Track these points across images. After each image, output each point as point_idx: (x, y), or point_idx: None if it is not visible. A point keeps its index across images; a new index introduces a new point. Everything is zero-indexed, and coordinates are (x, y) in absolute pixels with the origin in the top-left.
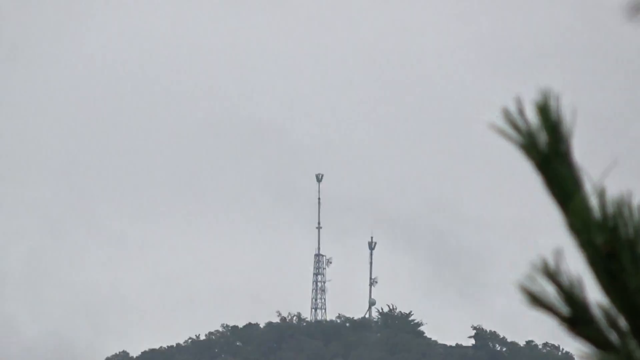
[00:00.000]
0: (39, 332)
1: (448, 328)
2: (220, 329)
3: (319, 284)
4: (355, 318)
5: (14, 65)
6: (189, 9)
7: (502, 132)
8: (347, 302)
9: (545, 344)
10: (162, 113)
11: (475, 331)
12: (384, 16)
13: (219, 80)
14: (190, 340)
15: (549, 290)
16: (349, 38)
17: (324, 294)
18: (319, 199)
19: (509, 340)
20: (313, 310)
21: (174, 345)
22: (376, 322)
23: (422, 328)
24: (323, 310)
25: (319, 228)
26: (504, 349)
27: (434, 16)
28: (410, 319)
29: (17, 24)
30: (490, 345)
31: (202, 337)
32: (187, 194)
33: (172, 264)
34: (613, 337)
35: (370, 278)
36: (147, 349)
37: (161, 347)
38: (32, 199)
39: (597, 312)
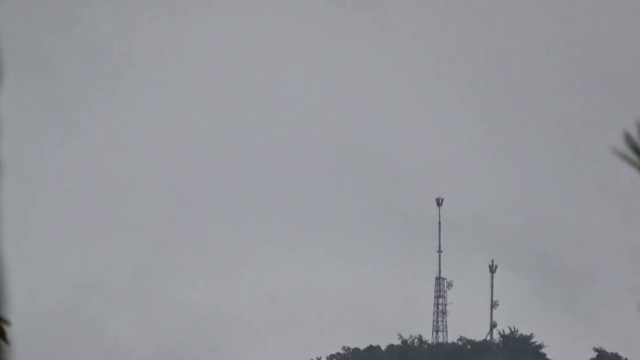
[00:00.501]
0: (151, 352)
1: (569, 350)
2: (342, 352)
3: (440, 307)
4: (477, 340)
5: (117, 86)
6: (297, 35)
7: (624, 156)
8: (468, 324)
9: None
10: (277, 136)
11: (597, 353)
12: (487, 40)
13: (332, 105)
14: None
15: None
16: (457, 62)
17: (445, 316)
18: (439, 222)
19: None
20: (434, 332)
21: None
22: (497, 344)
23: (543, 350)
24: (444, 333)
25: (439, 252)
26: None
27: (548, 39)
28: (531, 341)
29: (122, 46)
30: None
31: None
32: (305, 215)
33: (292, 285)
34: None
35: (492, 300)
36: None
37: None
38: (139, 220)
39: None
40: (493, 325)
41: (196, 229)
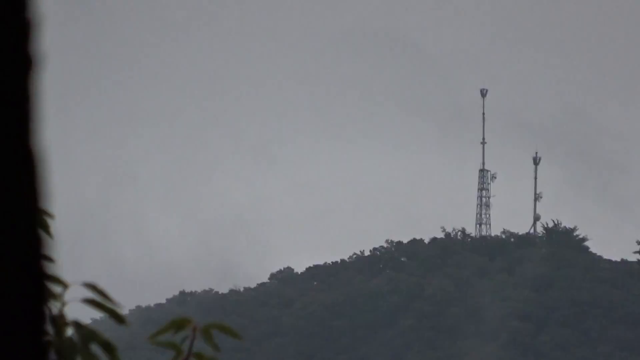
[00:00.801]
0: (189, 244)
1: (613, 243)
2: (385, 245)
3: (484, 200)
4: (520, 233)
5: None
6: None
7: None
8: (511, 217)
9: None
10: (313, 23)
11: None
12: None
13: None
14: (354, 256)
15: None
16: None
17: (489, 209)
18: (483, 114)
19: None
20: (478, 225)
21: (339, 261)
22: (541, 237)
23: (586, 243)
24: (488, 226)
25: (483, 143)
26: None
27: None
28: (574, 234)
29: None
30: None
31: (367, 253)
32: (351, 108)
33: (335, 180)
34: None
35: (535, 193)
36: (311, 265)
37: (325, 263)
38: (176, 110)
39: None
40: (536, 218)
41: (232, 118)
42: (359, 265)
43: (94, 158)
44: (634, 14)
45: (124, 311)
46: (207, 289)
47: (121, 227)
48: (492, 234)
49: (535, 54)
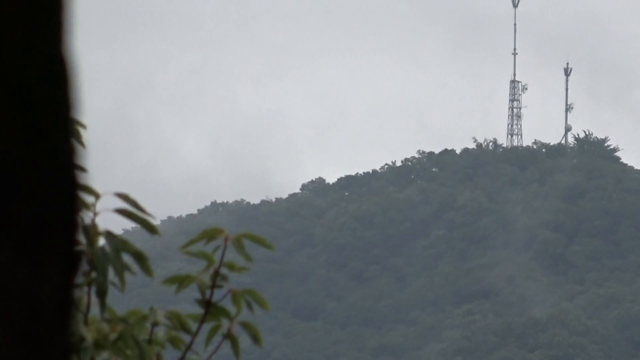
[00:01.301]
0: (205, 151)
1: None
2: (417, 155)
3: (515, 110)
4: (551, 144)
5: None
6: None
7: None
8: (543, 128)
9: None
10: None
11: None
12: None
13: None
14: (386, 167)
15: None
16: None
17: (520, 120)
18: (514, 24)
19: None
20: (509, 136)
21: (370, 171)
22: (572, 148)
23: (618, 154)
24: (519, 137)
25: (514, 54)
26: None
27: None
28: (606, 144)
29: None
30: None
31: (399, 164)
32: (378, 19)
33: (368, 91)
34: None
35: (566, 104)
36: (343, 175)
37: (357, 173)
38: (190, 15)
39: None
40: (568, 129)
41: (249, 24)
42: (390, 176)
43: (109, 67)
44: None
45: (156, 221)
46: (238, 199)
47: (147, 137)
48: (524, 145)
49: None
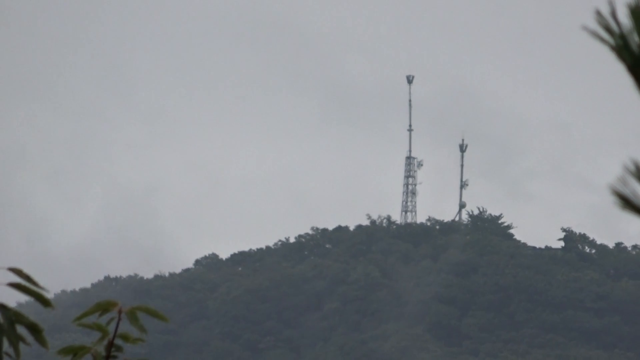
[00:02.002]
0: (82, 227)
1: (537, 230)
2: (310, 232)
3: (410, 187)
4: (445, 221)
5: None
6: None
7: (595, 35)
8: (437, 204)
9: (635, 246)
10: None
11: (564, 233)
12: None
13: None
14: (280, 243)
15: None
16: None
17: (415, 196)
18: (409, 100)
19: (598, 242)
20: (403, 213)
21: (264, 247)
22: (466, 224)
23: (511, 231)
24: (413, 213)
25: (410, 130)
26: (593, 251)
27: None
28: (499, 221)
29: None
30: (580, 247)
31: (292, 240)
32: (277, 94)
33: (260, 167)
34: None
35: (461, 180)
36: (236, 252)
37: (251, 249)
38: (69, 85)
39: None
40: (462, 206)
41: (127, 90)
42: (284, 252)
43: None
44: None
45: (49, 295)
46: (132, 274)
47: (10, 208)
48: (418, 221)
49: (468, 42)
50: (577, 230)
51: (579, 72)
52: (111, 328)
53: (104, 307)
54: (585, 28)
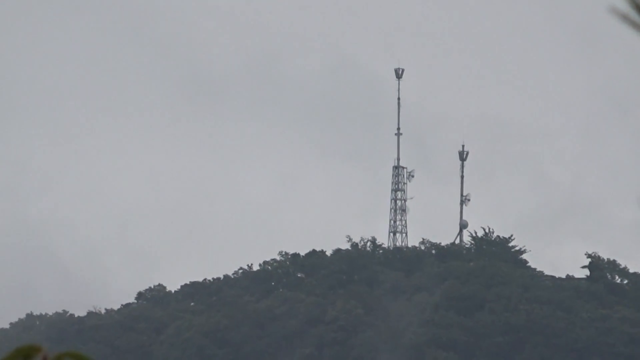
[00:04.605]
0: (45, 256)
1: (556, 256)
2: (278, 258)
3: (399, 203)
4: (443, 244)
5: None
6: None
7: (625, 17)
8: (432, 224)
9: None
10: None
11: (590, 260)
12: None
13: None
14: (241, 272)
15: None
16: None
17: (405, 214)
18: (398, 99)
19: (631, 270)
20: (391, 234)
21: (221, 277)
22: (469, 248)
23: (524, 256)
24: (403, 235)
25: (398, 134)
26: (625, 282)
27: None
28: (510, 245)
29: None
30: (609, 276)
31: (256, 268)
32: (252, 103)
33: (214, 180)
34: None
35: (462, 195)
36: (187, 282)
37: (205, 280)
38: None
39: None
40: (463, 226)
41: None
42: (246, 283)
43: None
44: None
45: None
46: (60, 311)
47: None
48: (409, 245)
49: (465, 34)
50: (606, 255)
51: (589, 78)
52: None
53: (25, 353)
54: (614, 10)
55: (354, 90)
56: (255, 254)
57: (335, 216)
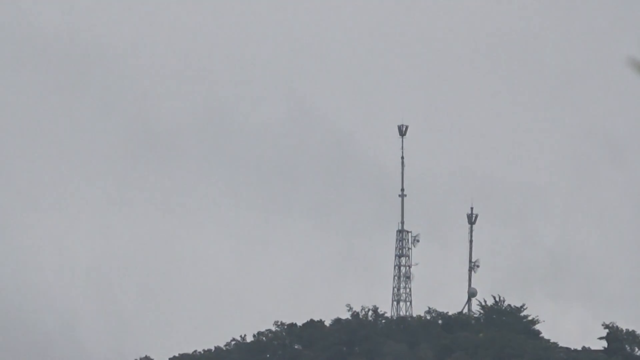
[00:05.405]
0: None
1: (571, 327)
2: (273, 328)
3: (403, 269)
4: (450, 314)
5: None
6: None
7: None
8: (439, 292)
9: None
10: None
11: (607, 331)
12: None
13: None
14: (233, 343)
15: None
16: None
17: (409, 281)
18: (402, 157)
19: None
20: (395, 303)
21: (212, 348)
22: (478, 318)
23: (538, 327)
24: (408, 304)
25: (402, 196)
26: None
27: None
28: (522, 314)
29: None
30: (628, 348)
31: (249, 339)
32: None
33: (208, 244)
34: None
35: (470, 261)
36: (176, 354)
37: (195, 351)
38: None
39: None
40: (472, 294)
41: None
42: (238, 355)
43: None
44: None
45: None
46: None
47: None
48: (414, 314)
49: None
50: (624, 326)
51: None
52: None
53: None
54: (632, 61)
55: (358, 148)
56: (248, 323)
57: (335, 283)
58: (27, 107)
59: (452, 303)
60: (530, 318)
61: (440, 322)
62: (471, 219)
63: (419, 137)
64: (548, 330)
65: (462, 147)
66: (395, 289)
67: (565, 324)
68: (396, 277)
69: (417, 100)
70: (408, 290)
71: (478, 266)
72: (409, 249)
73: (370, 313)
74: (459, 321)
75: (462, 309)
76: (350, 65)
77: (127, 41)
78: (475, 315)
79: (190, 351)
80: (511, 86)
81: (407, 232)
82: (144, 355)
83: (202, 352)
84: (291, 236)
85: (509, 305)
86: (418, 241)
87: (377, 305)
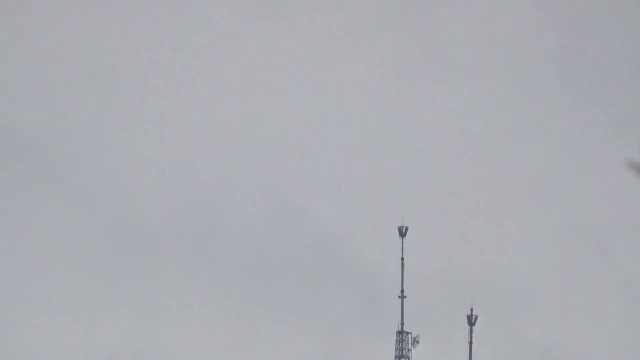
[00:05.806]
0: None
1: None
2: None
3: None
4: None
5: None
6: None
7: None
8: None
9: None
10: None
11: None
12: None
13: None
14: None
15: None
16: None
17: None
18: (402, 258)
19: None
20: None
21: None
22: None
23: None
24: None
25: (402, 297)
26: None
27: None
28: None
29: None
30: None
31: None
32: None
33: (192, 349)
34: None
35: None
36: None
37: None
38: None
39: None
40: None
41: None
42: None
43: None
44: None
45: None
46: None
47: None
48: None
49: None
50: None
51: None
52: None
53: None
54: (630, 162)
55: (358, 247)
56: None
57: None
58: (4, 205)
59: None
60: None
61: None
62: (471, 320)
63: (419, 238)
64: None
65: (461, 248)
66: None
67: None
68: None
69: (417, 201)
70: None
71: None
72: (408, 350)
73: None
74: None
75: None
76: (344, 168)
77: (110, 139)
78: None
79: None
80: (512, 184)
81: (407, 333)
82: None
83: None
84: (280, 336)
85: None
86: (418, 342)
87: None
